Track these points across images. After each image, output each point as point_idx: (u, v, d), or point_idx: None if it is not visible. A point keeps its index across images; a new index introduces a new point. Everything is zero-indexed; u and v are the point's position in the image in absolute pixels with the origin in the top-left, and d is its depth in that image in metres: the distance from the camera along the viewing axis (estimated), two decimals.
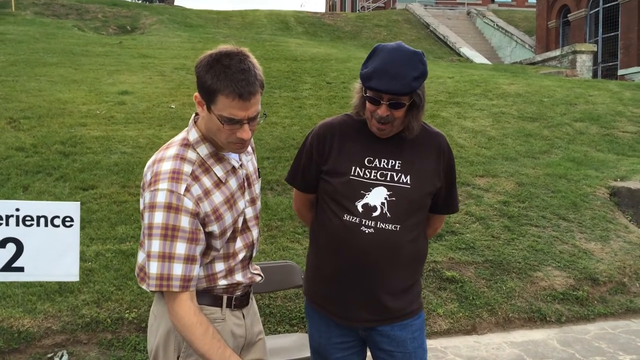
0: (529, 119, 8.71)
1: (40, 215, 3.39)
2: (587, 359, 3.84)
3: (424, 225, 2.07)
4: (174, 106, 8.08)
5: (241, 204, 1.72)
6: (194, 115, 1.74)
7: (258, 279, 1.83)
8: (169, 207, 1.53)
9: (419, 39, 20.77)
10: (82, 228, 4.62)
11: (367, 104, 1.92)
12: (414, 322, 2.06)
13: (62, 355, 3.50)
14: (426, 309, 4.26)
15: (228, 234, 1.67)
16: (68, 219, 3.43)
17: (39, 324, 3.59)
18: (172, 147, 1.66)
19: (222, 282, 1.69)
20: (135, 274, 1.74)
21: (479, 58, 18.10)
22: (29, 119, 7.09)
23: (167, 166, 1.60)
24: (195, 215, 1.56)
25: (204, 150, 1.66)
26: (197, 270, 1.59)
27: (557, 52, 16.62)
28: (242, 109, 1.56)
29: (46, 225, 3.40)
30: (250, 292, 1.84)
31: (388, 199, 1.93)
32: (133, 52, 11.79)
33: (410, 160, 1.99)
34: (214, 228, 1.62)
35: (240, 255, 1.73)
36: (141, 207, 1.64)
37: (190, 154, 1.64)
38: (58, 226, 3.43)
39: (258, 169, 1.91)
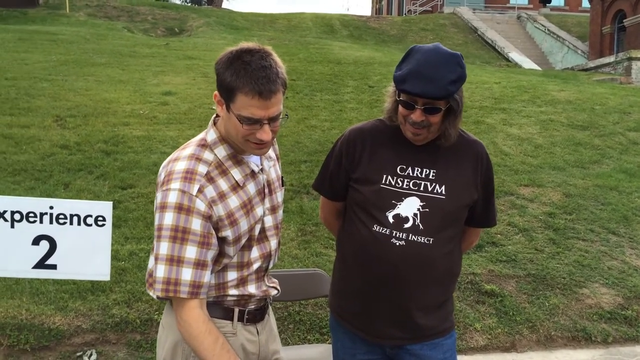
0: (579, 127, 8.36)
1: (74, 213, 3.40)
2: None
3: (458, 239, 1.94)
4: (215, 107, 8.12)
5: (259, 210, 1.63)
6: (214, 116, 1.67)
7: (274, 292, 1.72)
8: (179, 208, 1.46)
9: (466, 43, 20.39)
10: (118, 227, 4.67)
11: (400, 108, 1.81)
12: (445, 342, 1.93)
13: (91, 355, 3.50)
14: (462, 323, 4.08)
15: (243, 241, 1.58)
16: (100, 218, 3.42)
17: (69, 322, 3.61)
18: (188, 147, 1.60)
19: (233, 292, 1.59)
20: (145, 279, 1.68)
21: (528, 63, 17.61)
22: (74, 118, 7.25)
23: (181, 166, 1.53)
24: (207, 218, 1.48)
25: (221, 151, 1.59)
26: (207, 277, 1.50)
27: (611, 59, 15.98)
28: (262, 108, 1.47)
29: (79, 224, 3.41)
30: (266, 307, 1.73)
31: (421, 210, 1.81)
32: (179, 54, 11.96)
33: (445, 169, 1.86)
34: (228, 233, 1.53)
35: (255, 266, 1.63)
36: (154, 208, 1.58)
37: (207, 155, 1.57)
38: (91, 225, 3.43)
39: (282, 177, 1.81)
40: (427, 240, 1.80)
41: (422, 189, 1.82)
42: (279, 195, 1.75)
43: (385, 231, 1.81)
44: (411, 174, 1.84)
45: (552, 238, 5.19)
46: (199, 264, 1.48)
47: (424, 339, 1.89)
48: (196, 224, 1.46)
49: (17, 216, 3.38)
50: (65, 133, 6.71)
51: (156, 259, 1.50)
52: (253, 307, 1.66)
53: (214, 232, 1.50)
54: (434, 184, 1.83)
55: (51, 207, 3.39)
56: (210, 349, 1.45)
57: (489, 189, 1.95)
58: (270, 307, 1.77)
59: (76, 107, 7.65)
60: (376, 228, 1.82)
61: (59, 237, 3.39)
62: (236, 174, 1.59)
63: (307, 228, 5.09)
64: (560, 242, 5.15)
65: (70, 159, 5.99)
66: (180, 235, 1.45)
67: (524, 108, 9.12)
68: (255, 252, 1.63)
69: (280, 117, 1.54)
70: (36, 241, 3.37)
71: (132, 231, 4.72)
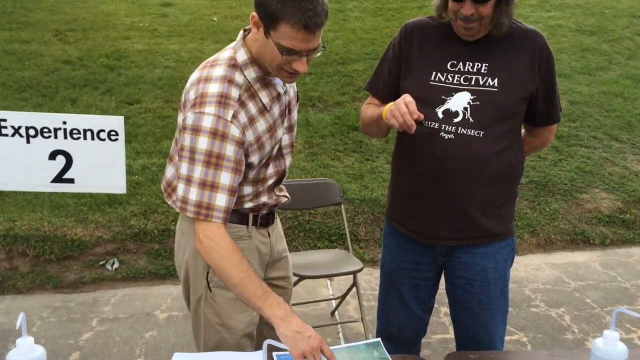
0: (588, 33, 8.19)
1: (87, 128, 3.45)
2: (629, 282, 3.80)
3: (517, 138, 1.85)
4: (215, 19, 7.95)
5: (280, 132, 1.64)
6: (242, 32, 1.60)
7: (284, 200, 1.78)
8: (214, 134, 1.44)
9: None
10: (128, 142, 4.74)
11: (450, 4, 1.72)
12: (498, 251, 1.88)
13: (113, 263, 3.70)
14: None
15: (263, 162, 1.64)
16: (113, 132, 3.48)
17: (90, 233, 3.78)
18: (218, 67, 1.54)
19: (248, 205, 1.66)
20: (163, 188, 1.71)
21: None
22: (74, 32, 7.13)
23: (214, 88, 1.49)
24: (240, 144, 1.48)
25: (251, 73, 1.55)
26: (234, 202, 1.54)
27: None
28: (305, 41, 1.42)
29: (92, 138, 3.47)
30: (275, 211, 1.80)
31: (472, 103, 1.73)
32: None
33: (498, 62, 1.76)
34: (255, 158, 1.56)
35: (270, 182, 1.68)
36: (179, 123, 1.57)
37: (238, 77, 1.53)
38: (104, 140, 3.49)
39: (297, 92, 1.82)
40: (477, 133, 1.73)
41: (473, 83, 1.76)
42: (295, 114, 1.76)
43: (434, 125, 1.75)
44: (462, 69, 1.78)
45: (555, 146, 5.26)
46: (232, 190, 1.50)
47: (477, 240, 1.85)
48: (230, 150, 1.47)
49: (32, 132, 3.44)
50: (66, 48, 6.63)
51: (188, 180, 1.49)
52: (265, 212, 1.74)
53: (244, 159, 1.52)
54: (485, 78, 1.76)
55: (64, 122, 3.44)
56: (237, 267, 1.47)
57: (550, 80, 1.82)
58: (276, 211, 1.84)
59: (74, 20, 7.51)
60: (425, 124, 1.75)
61: (74, 151, 3.46)
62: (264, 97, 1.57)
63: (314, 140, 5.16)
64: (563, 149, 5.23)
65: (74, 74, 5.97)
66: (214, 160, 1.46)
67: (532, 13, 8.88)
68: (270, 169, 1.67)
69: (318, 48, 1.47)
70: (52, 156, 3.46)
71: (143, 146, 4.80)
